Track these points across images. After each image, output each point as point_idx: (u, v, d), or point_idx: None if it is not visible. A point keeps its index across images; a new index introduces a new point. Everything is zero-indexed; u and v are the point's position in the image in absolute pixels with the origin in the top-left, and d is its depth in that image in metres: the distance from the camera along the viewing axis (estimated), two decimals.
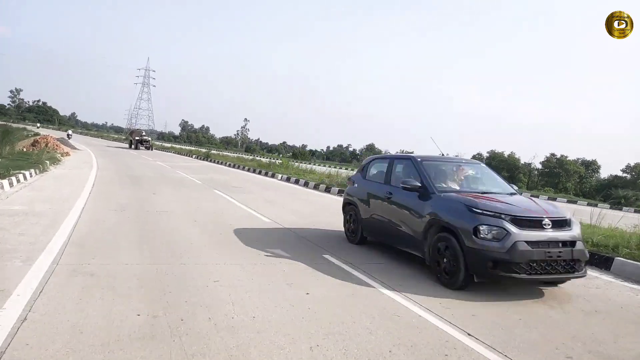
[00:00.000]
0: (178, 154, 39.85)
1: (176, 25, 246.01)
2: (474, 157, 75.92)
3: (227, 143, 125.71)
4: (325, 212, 10.23)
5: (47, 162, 15.69)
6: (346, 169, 37.20)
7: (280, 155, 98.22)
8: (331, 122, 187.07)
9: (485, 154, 75.47)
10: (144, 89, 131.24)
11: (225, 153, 47.66)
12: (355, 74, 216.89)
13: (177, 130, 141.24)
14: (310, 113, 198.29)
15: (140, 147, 39.59)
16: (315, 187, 15.64)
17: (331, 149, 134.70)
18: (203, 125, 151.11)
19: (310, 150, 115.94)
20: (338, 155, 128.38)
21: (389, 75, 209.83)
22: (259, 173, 21.66)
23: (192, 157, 34.92)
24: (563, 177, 63.41)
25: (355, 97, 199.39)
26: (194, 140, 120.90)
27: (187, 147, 55.26)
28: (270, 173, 20.43)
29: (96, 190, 10.56)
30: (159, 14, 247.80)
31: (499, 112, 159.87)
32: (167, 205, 9.28)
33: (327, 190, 14.79)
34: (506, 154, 72.11)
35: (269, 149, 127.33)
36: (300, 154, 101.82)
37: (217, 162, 28.69)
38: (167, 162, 24.86)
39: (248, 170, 23.56)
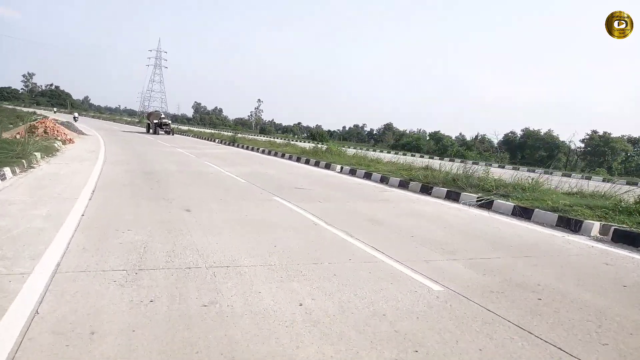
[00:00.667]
0: (198, 137, 35.49)
1: (187, 5, 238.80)
2: (506, 135, 70.54)
3: (241, 124, 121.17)
4: (503, 249, 5.77)
5: (38, 154, 11.49)
6: (432, 157, 32.43)
7: (295, 136, 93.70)
8: (345, 102, 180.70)
9: (519, 132, 69.96)
10: (155, 70, 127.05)
11: (251, 137, 42.94)
12: (368, 54, 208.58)
13: (189, 113, 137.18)
14: (323, 93, 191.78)
15: (160, 132, 34.35)
16: (403, 186, 11.11)
17: (347, 128, 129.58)
18: (216, 107, 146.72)
19: (329, 131, 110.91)
20: (355, 135, 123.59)
21: (399, 56, 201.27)
22: (307, 162, 17.19)
23: (214, 141, 30.52)
24: (609, 155, 57.74)
25: (367, 76, 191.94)
26: (207, 122, 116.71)
27: (207, 130, 50.64)
28: (323, 163, 15.91)
29: (94, 207, 6.25)
30: None
31: (516, 90, 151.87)
32: (217, 242, 4.89)
33: (426, 191, 10.25)
34: (543, 131, 66.37)
35: (284, 130, 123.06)
36: (319, 134, 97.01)
37: (247, 148, 24.34)
38: (189, 149, 20.56)
39: (289, 158, 19.12)
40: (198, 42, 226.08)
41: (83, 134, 26.66)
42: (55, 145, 15.42)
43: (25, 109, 69.94)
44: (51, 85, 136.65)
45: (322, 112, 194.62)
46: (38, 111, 66.53)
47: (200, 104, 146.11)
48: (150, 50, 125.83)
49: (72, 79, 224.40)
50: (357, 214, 7.24)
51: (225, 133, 37.79)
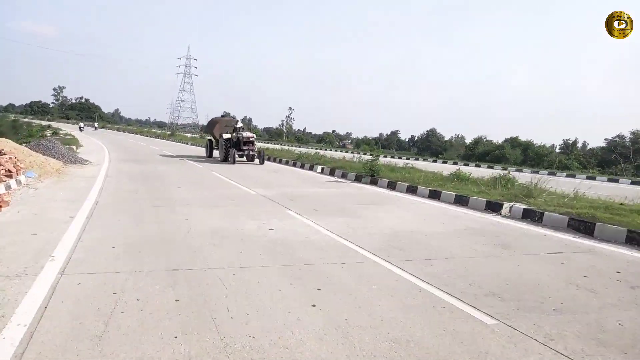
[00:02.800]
0: (278, 161, 19.36)
1: (214, 12, 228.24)
2: (612, 141, 54.74)
3: (272, 134, 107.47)
4: None
5: None
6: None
7: (349, 146, 78.90)
8: (375, 109, 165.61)
9: (627, 136, 54.08)
10: (185, 79, 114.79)
11: (390, 159, 23.25)
12: (396, 58, 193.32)
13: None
14: (353, 99, 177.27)
15: (237, 157, 17.02)
16: None
17: (384, 136, 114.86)
18: (245, 117, 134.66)
19: (375, 139, 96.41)
20: (395, 143, 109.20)
21: (429, 59, 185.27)
22: None
23: (317, 171, 15.43)
24: None
25: (396, 81, 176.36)
26: None
27: (279, 146, 34.49)
28: None
29: None
30: (197, 2, 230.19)
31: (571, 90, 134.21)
32: None
33: None
34: None
35: (320, 139, 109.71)
36: (365, 144, 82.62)
37: (459, 203, 9.55)
38: (336, 225, 6.54)
39: None
40: (224, 51, 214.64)
41: (81, 162, 13.07)
42: None
43: (44, 123, 58.19)
44: (81, 98, 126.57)
45: (350, 118, 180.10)
46: (54, 124, 54.29)
47: (229, 113, 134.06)
48: (180, 58, 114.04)
49: (103, 91, 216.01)
50: None
51: (351, 155, 19.43)
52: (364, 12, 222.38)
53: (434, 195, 9.77)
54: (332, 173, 14.51)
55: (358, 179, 12.87)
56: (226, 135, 17.78)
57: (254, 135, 18.23)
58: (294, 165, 17.70)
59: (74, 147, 20.96)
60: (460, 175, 11.37)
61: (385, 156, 21.95)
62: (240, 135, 17.42)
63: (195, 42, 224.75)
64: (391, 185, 11.31)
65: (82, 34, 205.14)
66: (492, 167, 31.20)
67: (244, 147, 17.23)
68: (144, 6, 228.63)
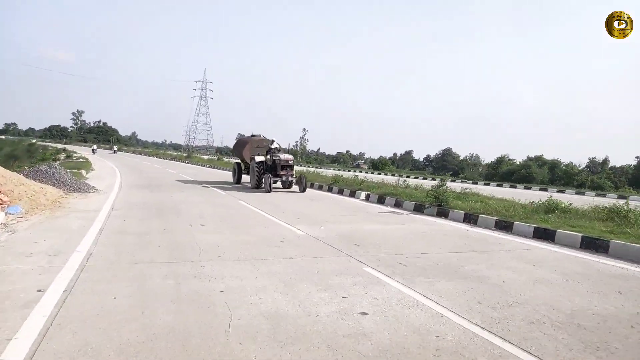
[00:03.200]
0: (321, 188, 16.14)
1: (228, 38, 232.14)
2: None
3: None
4: None
5: None
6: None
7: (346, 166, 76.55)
8: (388, 128, 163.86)
9: None
10: (201, 102, 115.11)
11: (469, 186, 16.19)
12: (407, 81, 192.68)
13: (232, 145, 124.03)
14: (365, 119, 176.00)
15: (271, 184, 13.91)
16: None
17: (398, 155, 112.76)
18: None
19: (391, 159, 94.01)
20: (409, 162, 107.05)
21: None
22: None
23: (361, 198, 12.64)
24: None
25: (407, 100, 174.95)
26: None
27: (303, 168, 30.51)
28: None
29: None
30: (213, 26, 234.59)
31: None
32: None
33: None
34: None
35: (334, 160, 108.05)
36: (381, 163, 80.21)
37: None
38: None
39: None
40: (237, 72, 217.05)
41: (80, 190, 10.77)
42: None
43: (59, 146, 57.17)
44: (99, 121, 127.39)
45: (363, 138, 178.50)
46: (70, 147, 53.15)
47: (243, 135, 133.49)
48: (196, 82, 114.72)
49: (120, 115, 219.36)
50: None
51: (377, 177, 16.99)
52: (377, 38, 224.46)
53: (543, 235, 7.15)
54: (380, 201, 11.95)
55: (418, 209, 10.29)
56: (259, 158, 14.84)
57: (293, 158, 15.07)
58: (330, 190, 15.18)
59: (84, 172, 18.93)
60: (558, 205, 8.72)
61: (425, 178, 19.44)
62: (277, 158, 14.46)
63: (210, 65, 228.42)
64: (469, 219, 8.71)
65: (101, 59, 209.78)
66: (545, 190, 28.69)
67: (281, 172, 14.27)
68: (160, 32, 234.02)
